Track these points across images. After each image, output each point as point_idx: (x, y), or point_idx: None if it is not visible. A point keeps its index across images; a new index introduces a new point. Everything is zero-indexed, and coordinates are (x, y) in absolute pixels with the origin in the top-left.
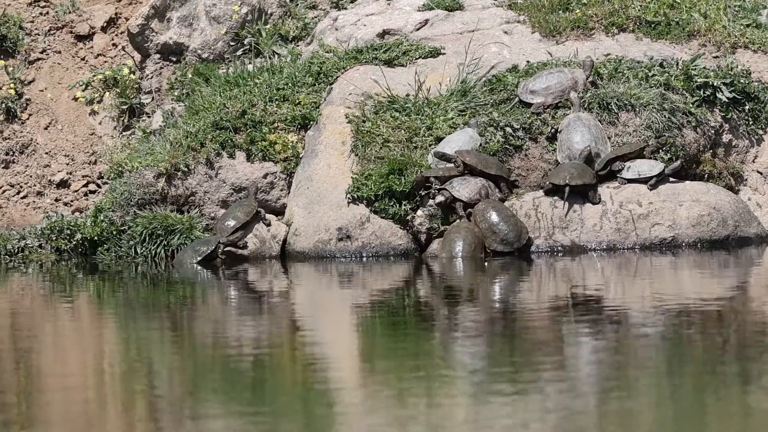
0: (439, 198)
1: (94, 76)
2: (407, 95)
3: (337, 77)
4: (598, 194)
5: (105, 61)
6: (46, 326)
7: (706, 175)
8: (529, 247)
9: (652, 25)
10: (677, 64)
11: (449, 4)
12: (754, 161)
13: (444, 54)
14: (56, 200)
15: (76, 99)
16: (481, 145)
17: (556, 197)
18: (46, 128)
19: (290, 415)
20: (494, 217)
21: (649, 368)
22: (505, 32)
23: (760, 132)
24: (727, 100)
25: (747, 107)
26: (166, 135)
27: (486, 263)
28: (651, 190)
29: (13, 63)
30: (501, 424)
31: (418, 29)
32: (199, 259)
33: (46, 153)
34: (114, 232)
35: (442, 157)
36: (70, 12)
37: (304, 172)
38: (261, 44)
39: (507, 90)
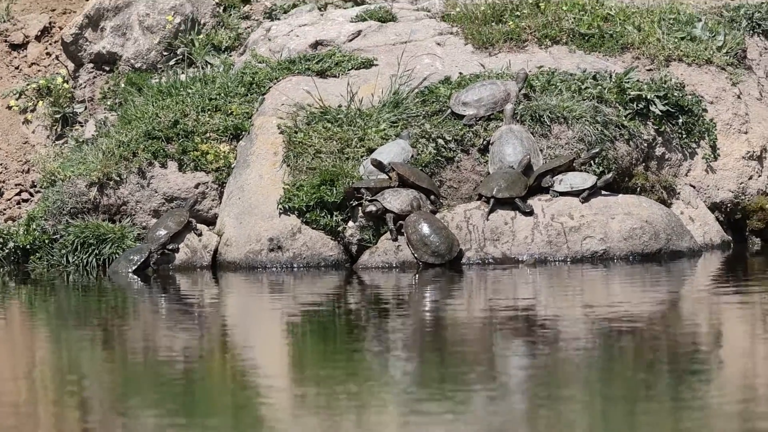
0: (371, 208)
1: (27, 84)
2: (339, 106)
3: (270, 88)
4: (528, 204)
5: (39, 70)
6: None
7: (638, 189)
8: (460, 258)
9: (586, 38)
10: (610, 77)
11: (382, 15)
12: (687, 174)
13: (377, 65)
14: None
15: (9, 107)
16: (412, 156)
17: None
18: None
19: (220, 425)
20: (426, 228)
21: (579, 381)
22: (438, 44)
23: (694, 145)
24: (660, 113)
25: (680, 120)
26: (98, 144)
27: (417, 275)
28: (583, 203)
29: None
30: None
31: (350, 40)
32: (134, 268)
33: None
34: (46, 241)
35: (379, 165)
36: (4, 21)
37: (235, 182)
38: (194, 54)
39: (439, 101)
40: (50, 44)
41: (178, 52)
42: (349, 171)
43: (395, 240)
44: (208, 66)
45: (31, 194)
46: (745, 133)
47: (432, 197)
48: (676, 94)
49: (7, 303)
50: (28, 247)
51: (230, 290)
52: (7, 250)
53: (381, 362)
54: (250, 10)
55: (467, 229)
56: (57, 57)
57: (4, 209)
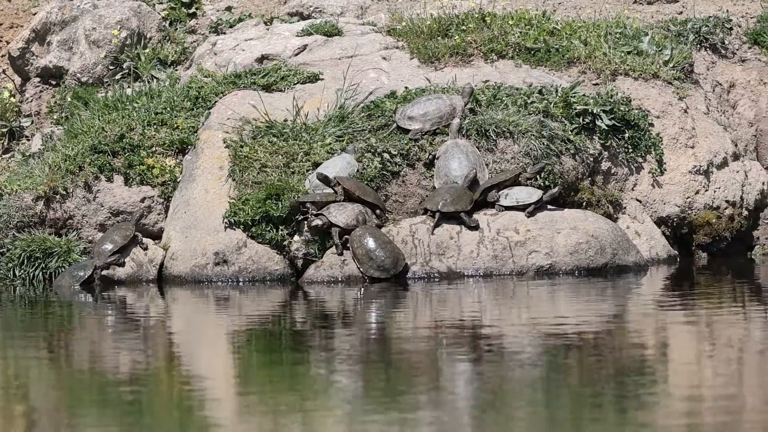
0: (316, 222)
1: None
2: (285, 120)
3: (216, 102)
4: (474, 218)
5: None
6: None
7: (584, 203)
8: (405, 273)
9: (532, 52)
10: (556, 91)
11: (328, 29)
12: (633, 189)
13: (322, 79)
14: None
15: None
16: (358, 170)
17: (435, 223)
18: None
19: None
20: (371, 243)
21: (525, 395)
22: (384, 58)
23: (640, 160)
24: (606, 128)
25: (627, 135)
26: (44, 158)
27: (362, 289)
28: (529, 217)
29: None
30: None
31: (296, 54)
32: (78, 284)
33: None
34: None
35: (324, 179)
36: None
37: (181, 196)
38: (140, 68)
39: (385, 116)
40: None
41: (124, 66)
42: (294, 185)
43: (341, 254)
44: (154, 80)
45: None
46: (692, 147)
47: (377, 211)
48: (622, 108)
49: None
50: None
51: (175, 304)
52: None
53: (325, 378)
54: (196, 24)
55: (413, 243)
56: (4, 71)
57: None
